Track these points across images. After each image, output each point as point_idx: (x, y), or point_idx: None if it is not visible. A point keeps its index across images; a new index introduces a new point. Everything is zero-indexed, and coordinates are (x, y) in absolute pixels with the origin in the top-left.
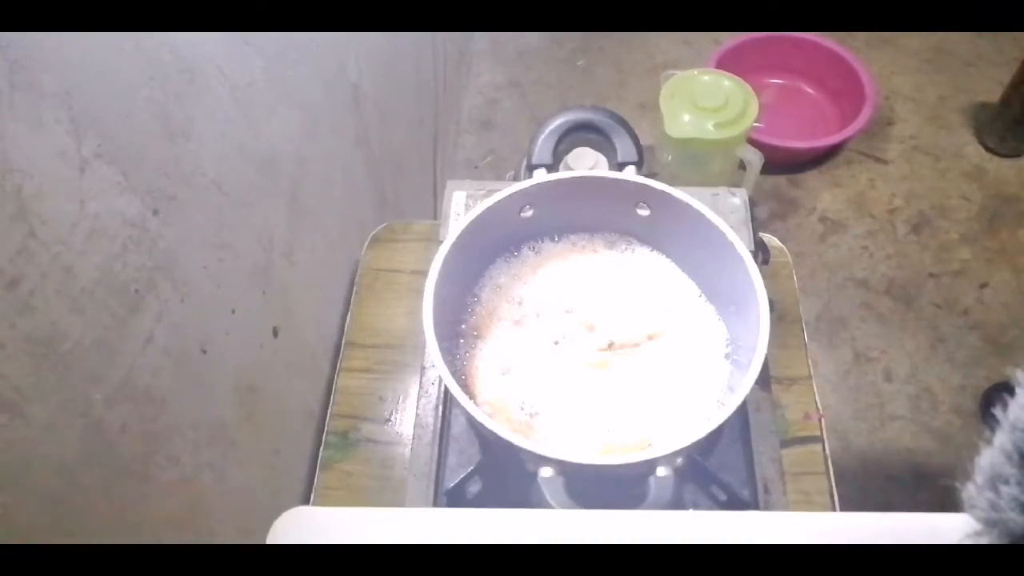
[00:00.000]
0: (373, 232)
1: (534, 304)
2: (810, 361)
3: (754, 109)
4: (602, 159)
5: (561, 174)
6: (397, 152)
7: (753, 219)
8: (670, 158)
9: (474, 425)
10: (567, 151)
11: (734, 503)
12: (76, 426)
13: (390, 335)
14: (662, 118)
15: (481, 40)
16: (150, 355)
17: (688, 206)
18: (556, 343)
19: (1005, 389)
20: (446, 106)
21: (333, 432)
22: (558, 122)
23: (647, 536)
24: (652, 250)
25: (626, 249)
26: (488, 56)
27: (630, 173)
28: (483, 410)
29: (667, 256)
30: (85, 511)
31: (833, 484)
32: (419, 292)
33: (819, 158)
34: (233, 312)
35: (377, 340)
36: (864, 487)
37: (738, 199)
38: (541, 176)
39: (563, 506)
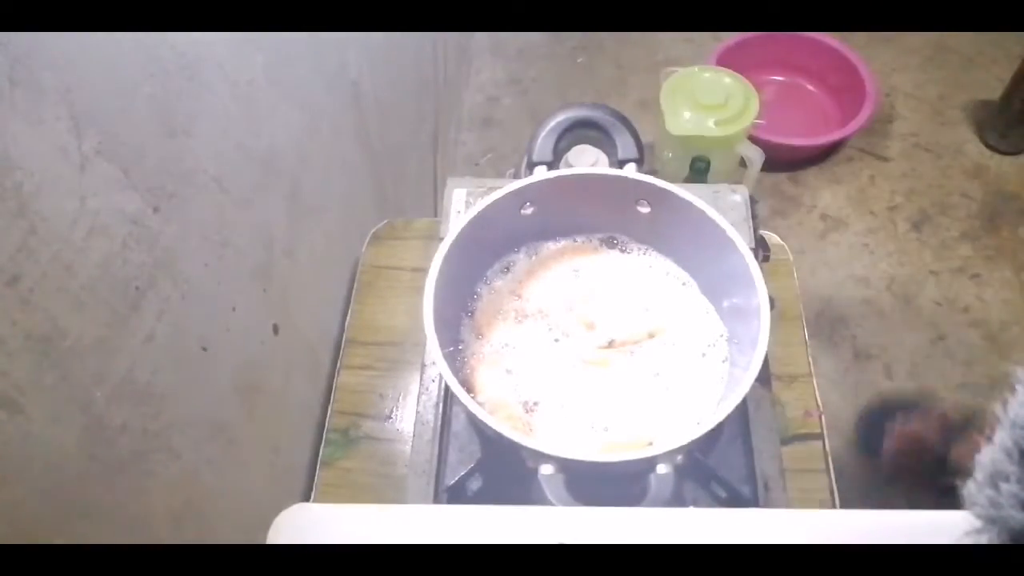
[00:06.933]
0: (373, 229)
1: (534, 302)
2: (810, 358)
3: (755, 106)
4: (603, 156)
5: (561, 171)
6: (397, 149)
7: (754, 216)
8: (671, 155)
9: (475, 422)
10: (567, 148)
11: (734, 500)
12: (77, 423)
13: (391, 332)
14: (663, 115)
15: (482, 37)
16: (150, 352)
17: (689, 203)
18: (556, 340)
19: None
20: (446, 103)
21: (334, 429)
22: (558, 119)
23: (647, 534)
24: (652, 248)
25: (627, 247)
26: (488, 53)
27: (631, 170)
28: (483, 407)
29: (667, 253)
30: (86, 507)
31: (833, 481)
32: (419, 289)
33: (820, 155)
34: (234, 309)
35: (378, 337)
36: (864, 485)
37: (739, 196)
38: (541, 173)
39: (563, 503)
